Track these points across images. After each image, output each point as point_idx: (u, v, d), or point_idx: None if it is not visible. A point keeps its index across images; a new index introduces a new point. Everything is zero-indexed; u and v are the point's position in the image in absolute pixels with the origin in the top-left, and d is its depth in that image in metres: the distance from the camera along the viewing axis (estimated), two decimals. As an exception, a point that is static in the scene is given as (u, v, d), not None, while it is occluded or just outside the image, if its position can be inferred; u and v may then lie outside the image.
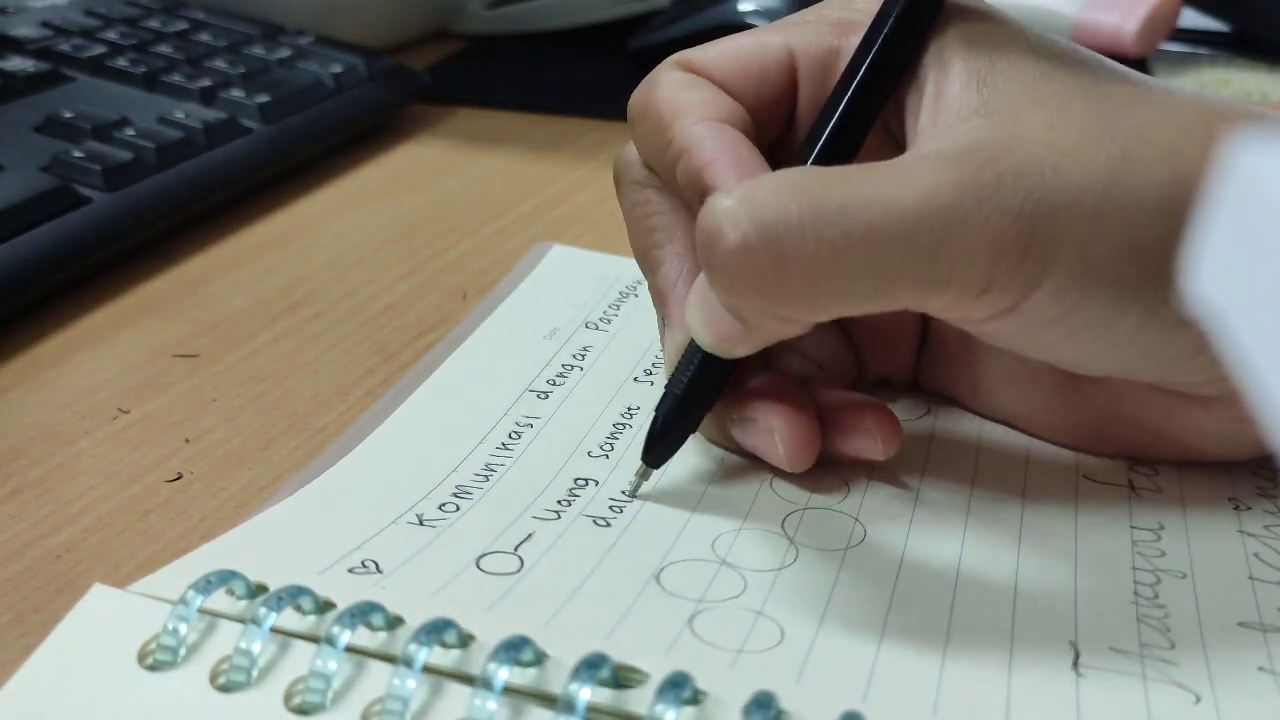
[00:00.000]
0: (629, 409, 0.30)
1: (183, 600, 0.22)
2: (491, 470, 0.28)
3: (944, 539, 0.26)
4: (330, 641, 0.21)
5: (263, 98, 0.48)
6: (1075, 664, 0.22)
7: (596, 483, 0.27)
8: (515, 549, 0.25)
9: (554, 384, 0.32)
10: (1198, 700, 0.22)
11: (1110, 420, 0.28)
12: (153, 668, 0.21)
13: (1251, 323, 0.12)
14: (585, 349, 0.33)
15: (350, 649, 0.21)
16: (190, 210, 0.43)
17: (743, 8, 0.57)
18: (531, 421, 0.30)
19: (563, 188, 0.48)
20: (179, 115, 0.45)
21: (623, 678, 0.21)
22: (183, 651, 0.21)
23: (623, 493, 0.27)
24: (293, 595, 0.22)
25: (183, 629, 0.21)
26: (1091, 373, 0.26)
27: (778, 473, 0.28)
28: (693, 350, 0.26)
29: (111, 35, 0.51)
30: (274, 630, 0.21)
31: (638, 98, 0.28)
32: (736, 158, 0.25)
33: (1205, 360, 0.24)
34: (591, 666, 0.20)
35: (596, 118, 0.56)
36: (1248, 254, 0.12)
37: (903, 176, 0.22)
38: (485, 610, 0.23)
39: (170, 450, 0.30)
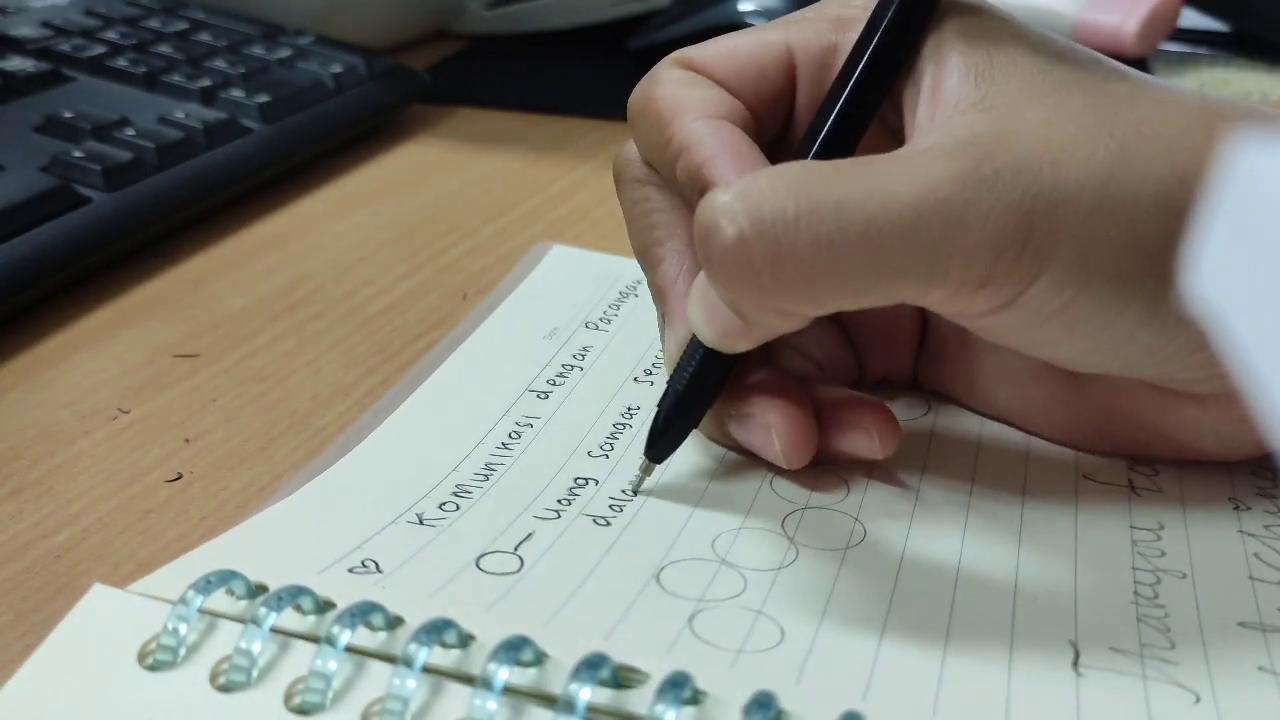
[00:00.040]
0: (629, 409, 0.30)
1: (183, 600, 0.22)
2: (491, 470, 0.28)
3: (944, 539, 0.26)
4: (330, 641, 0.21)
5: (263, 98, 0.48)
6: (1075, 663, 0.22)
7: (596, 482, 0.27)
8: (515, 549, 0.25)
9: (554, 384, 0.32)
10: (1198, 700, 0.22)
11: (1108, 418, 0.28)
12: (153, 668, 0.21)
13: (1251, 322, 0.12)
14: (585, 349, 0.33)
15: (350, 649, 0.21)
16: (190, 210, 0.43)
17: (742, 8, 0.57)
18: (531, 421, 0.30)
19: (563, 188, 0.48)
20: (179, 115, 0.45)
21: (623, 678, 0.21)
22: (183, 651, 0.21)
23: (624, 491, 0.27)
24: (293, 595, 0.22)
25: (183, 629, 0.21)
26: (1089, 370, 0.26)
27: (778, 472, 0.28)
28: (694, 346, 0.26)
29: (111, 35, 0.51)
30: (274, 630, 0.21)
31: (637, 96, 0.28)
32: (736, 154, 0.25)
33: (1204, 357, 0.24)
34: (591, 666, 0.20)
35: (596, 118, 0.56)
36: (1248, 254, 0.12)
37: (900, 171, 0.22)
38: (485, 610, 0.23)
39: (170, 450, 0.30)
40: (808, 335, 0.30)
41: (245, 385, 0.33)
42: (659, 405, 0.27)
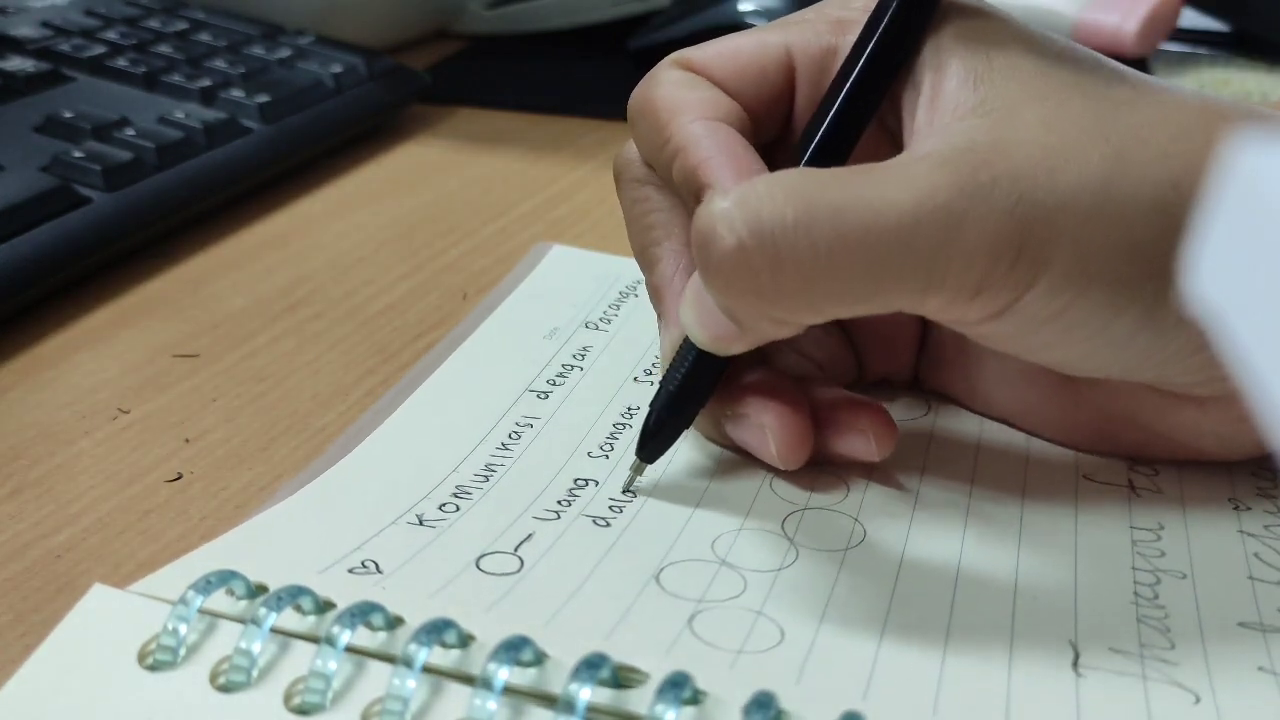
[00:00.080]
0: (629, 409, 0.30)
1: (183, 600, 0.22)
2: (491, 470, 0.28)
3: (944, 539, 0.26)
4: (330, 642, 0.21)
5: (263, 98, 0.48)
6: (1075, 664, 0.22)
7: (596, 483, 0.27)
8: (515, 549, 0.25)
9: (554, 384, 0.32)
10: (1197, 700, 0.22)
11: (1108, 419, 0.28)
12: (153, 668, 0.21)
13: (1251, 323, 0.12)
14: (585, 349, 0.33)
15: (350, 649, 0.21)
16: (190, 210, 0.43)
17: (742, 8, 0.57)
18: (531, 421, 0.30)
19: (563, 188, 0.48)
20: (179, 115, 0.45)
21: (623, 678, 0.21)
22: (183, 652, 0.21)
23: (624, 492, 0.27)
24: (293, 595, 0.22)
25: (183, 629, 0.21)
26: (1088, 374, 0.26)
27: (777, 472, 0.28)
28: (687, 346, 0.26)
29: (111, 35, 0.51)
30: (274, 630, 0.21)
31: (637, 96, 0.28)
32: (732, 156, 0.25)
33: (1202, 360, 0.24)
34: (591, 666, 0.20)
35: (596, 118, 0.56)
36: (1248, 254, 0.12)
37: (898, 178, 0.22)
38: (485, 610, 0.23)
39: (170, 450, 0.30)
40: (807, 335, 0.29)
41: (245, 385, 0.33)
42: (651, 405, 0.27)
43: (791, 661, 0.22)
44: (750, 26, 0.34)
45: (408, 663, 0.20)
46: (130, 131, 0.43)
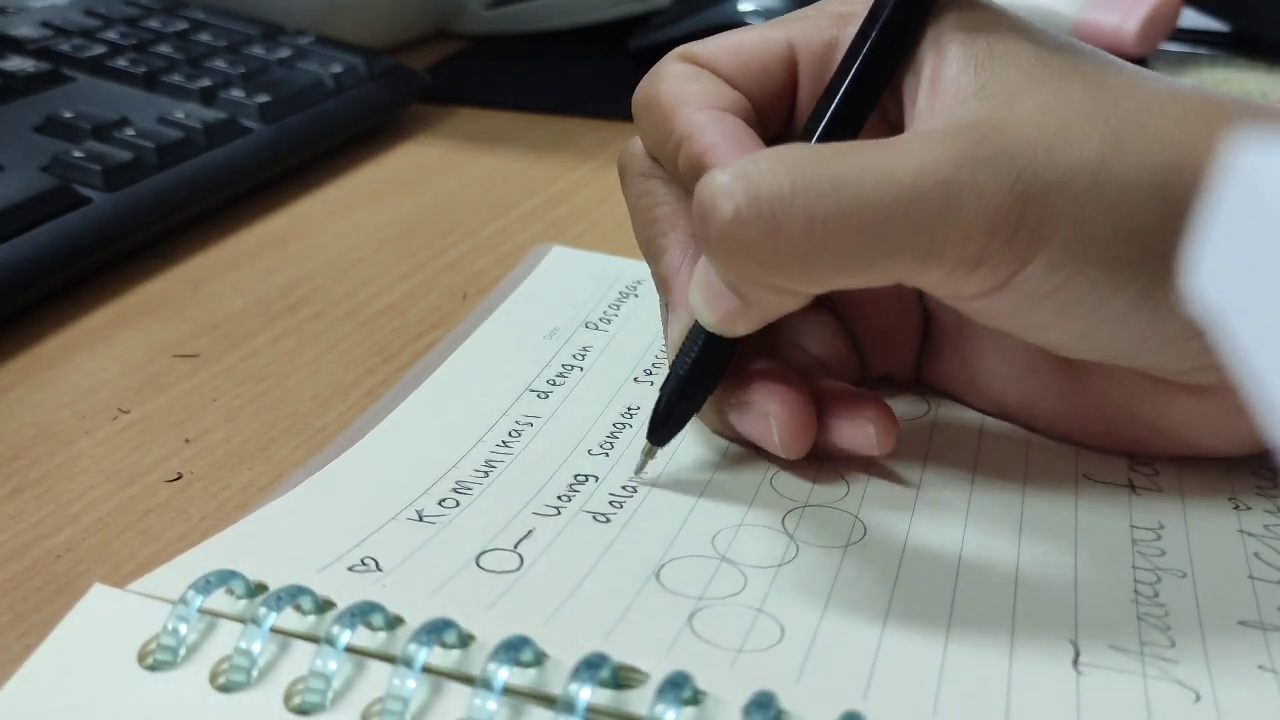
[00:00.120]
0: (629, 409, 0.30)
1: (182, 600, 0.22)
2: (491, 466, 0.28)
3: (944, 537, 0.26)
4: (330, 641, 0.21)
5: (263, 98, 0.48)
6: (1075, 662, 0.22)
7: (596, 479, 0.27)
8: (515, 546, 0.25)
9: (554, 384, 0.32)
10: (1198, 698, 0.22)
11: (1107, 413, 0.28)
12: (153, 668, 0.21)
13: (1251, 322, 0.12)
14: (585, 349, 0.33)
15: (350, 649, 0.21)
16: (190, 210, 0.43)
17: (742, 7, 0.57)
18: (531, 420, 0.30)
19: (563, 188, 0.48)
20: (179, 115, 0.45)
21: (623, 678, 0.21)
22: (183, 651, 0.21)
23: (624, 488, 0.27)
24: (292, 595, 0.22)
25: (183, 629, 0.21)
26: (1084, 356, 0.26)
27: (778, 468, 0.28)
28: (696, 332, 0.27)
29: (111, 35, 0.51)
30: (274, 630, 0.21)
31: (642, 90, 0.28)
32: (737, 143, 0.26)
33: (1198, 346, 0.24)
34: (591, 666, 0.20)
35: (596, 118, 0.56)
36: (1248, 254, 0.12)
37: (898, 152, 0.23)
38: (485, 609, 0.23)
39: (170, 450, 0.30)
40: (810, 331, 0.30)
41: (245, 385, 0.33)
42: (661, 390, 0.27)
43: (791, 660, 0.22)
44: (749, 25, 0.34)
45: (408, 663, 0.20)
46: (130, 131, 0.43)
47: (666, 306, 0.29)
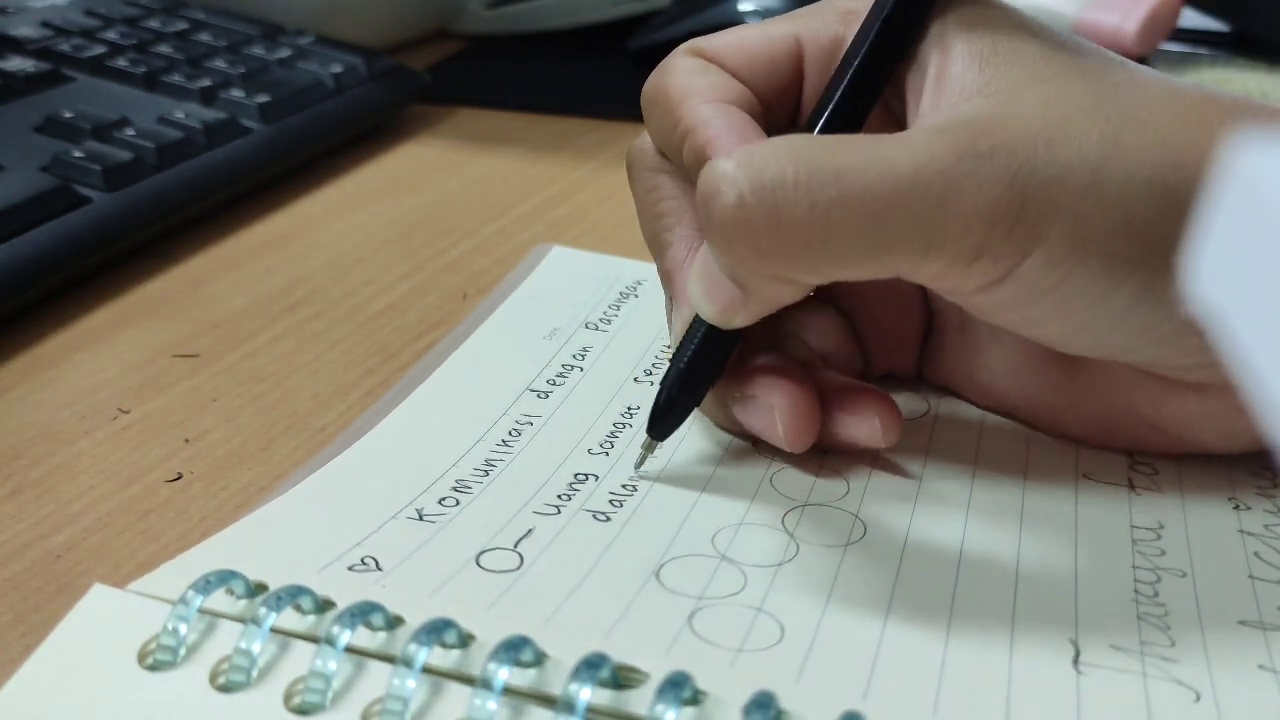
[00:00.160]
0: (629, 409, 0.30)
1: (182, 600, 0.22)
2: (491, 466, 0.28)
3: (944, 536, 0.26)
4: (330, 641, 0.21)
5: (263, 98, 0.48)
6: (1075, 661, 0.22)
7: (596, 477, 0.27)
8: (515, 545, 0.25)
9: (554, 384, 0.32)
10: (1198, 698, 0.22)
11: (1108, 411, 0.28)
12: (153, 668, 0.21)
13: (1251, 321, 0.12)
14: (585, 349, 0.33)
15: (350, 649, 0.21)
16: (190, 210, 0.43)
17: (742, 7, 0.57)
18: (531, 420, 0.30)
19: (563, 188, 0.48)
20: (179, 115, 0.45)
21: (623, 678, 0.21)
22: (183, 651, 0.21)
23: (624, 487, 0.27)
24: (292, 595, 0.22)
25: (183, 629, 0.21)
26: (1083, 352, 0.26)
27: (778, 467, 0.28)
28: (697, 324, 0.27)
29: (111, 35, 0.51)
30: (274, 630, 0.21)
31: (650, 84, 0.29)
32: (741, 136, 0.26)
33: (1198, 341, 0.24)
34: (591, 667, 0.20)
35: (596, 118, 0.56)
36: (1247, 253, 0.12)
37: (900, 145, 0.23)
38: (485, 608, 0.23)
39: (170, 450, 0.30)
40: (814, 326, 0.30)
41: (245, 385, 0.33)
42: (661, 383, 0.27)
43: (791, 660, 0.22)
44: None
45: (408, 663, 0.20)
46: (130, 131, 0.43)
47: (670, 300, 0.29)
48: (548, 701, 0.20)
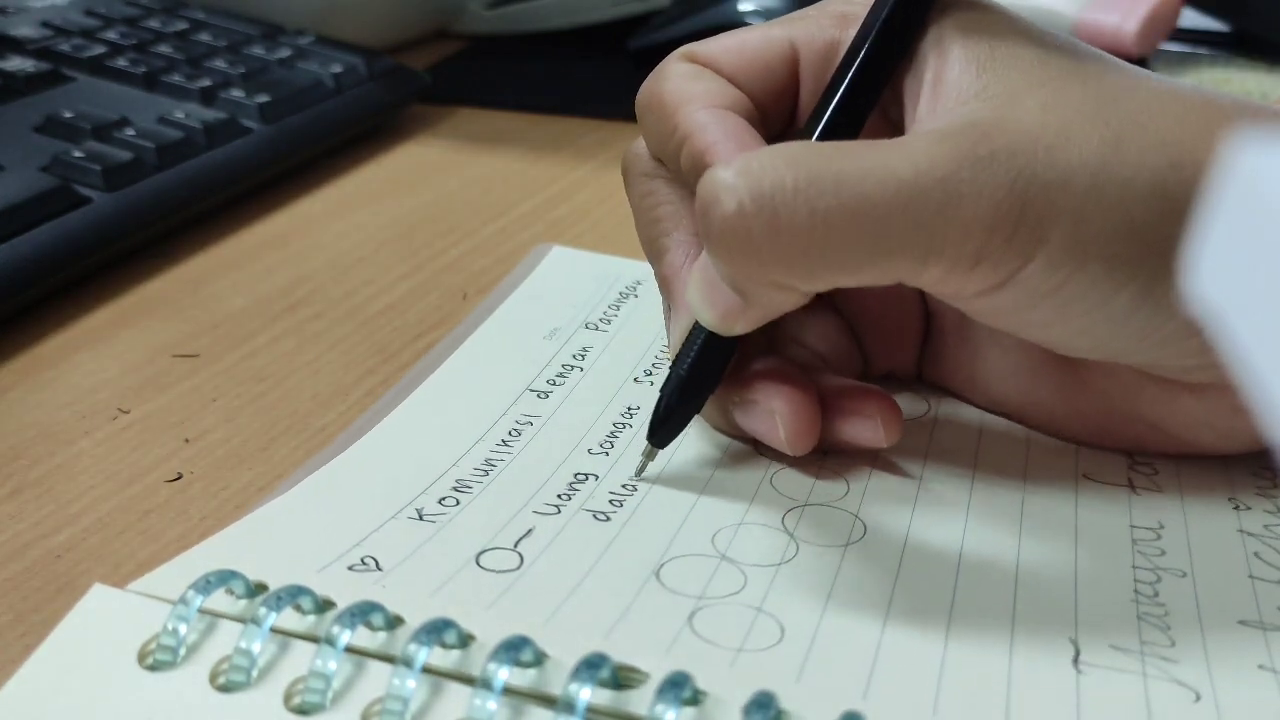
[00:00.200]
0: (629, 409, 0.30)
1: (182, 600, 0.22)
2: (491, 465, 0.28)
3: (944, 536, 0.26)
4: (330, 641, 0.21)
5: (263, 98, 0.48)
6: (1075, 661, 0.22)
7: (596, 477, 0.27)
8: (515, 545, 0.25)
9: (554, 384, 0.32)
10: (1198, 698, 0.22)
11: (1107, 411, 0.28)
12: (153, 668, 0.21)
13: (1252, 322, 0.12)
14: (585, 349, 0.33)
15: (350, 649, 0.21)
16: (190, 210, 0.43)
17: (742, 8, 0.57)
18: (531, 420, 0.30)
19: (563, 188, 0.48)
20: (179, 115, 0.45)
21: (623, 678, 0.21)
22: (183, 651, 0.21)
23: (624, 486, 0.27)
24: (292, 595, 0.22)
25: (183, 629, 0.21)
26: (1084, 354, 0.26)
27: (778, 467, 0.28)
28: (696, 332, 0.27)
29: (111, 35, 0.51)
30: (274, 630, 0.21)
31: (645, 90, 0.28)
32: (739, 142, 0.26)
33: (1198, 344, 0.24)
34: (591, 667, 0.20)
35: (596, 118, 0.56)
36: (1248, 254, 0.12)
37: (899, 151, 0.23)
38: (485, 608, 0.23)
39: (170, 450, 0.30)
40: (813, 327, 0.30)
41: (245, 385, 0.33)
42: (661, 391, 0.27)
43: (791, 660, 0.22)
44: (750, 25, 0.34)
45: (408, 663, 0.20)
46: (130, 131, 0.43)
47: (668, 307, 0.29)
48: (548, 701, 0.20)
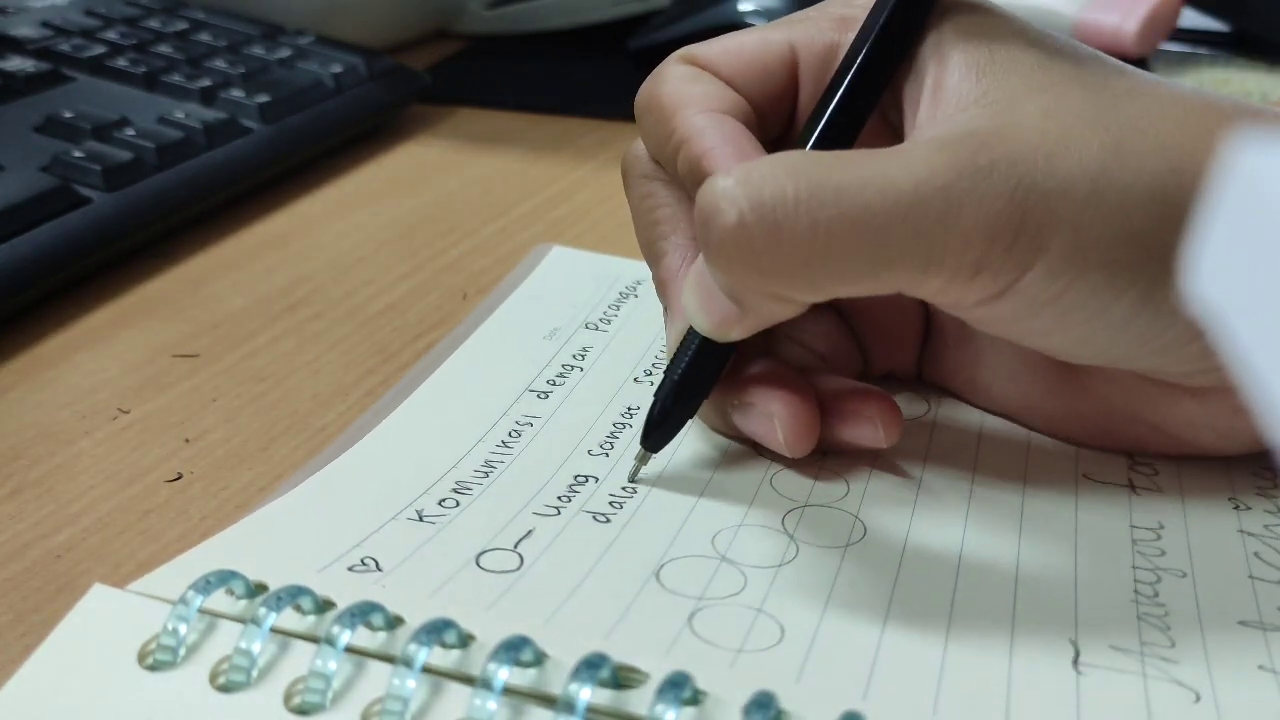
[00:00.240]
0: (629, 409, 0.30)
1: (182, 600, 0.22)
2: (491, 467, 0.28)
3: (944, 537, 0.26)
4: (330, 641, 0.21)
5: (263, 98, 0.48)
6: (1075, 662, 0.22)
7: (596, 479, 0.27)
8: (515, 546, 0.25)
9: (554, 384, 0.32)
10: (1198, 699, 0.22)
11: (1107, 413, 0.28)
12: (153, 668, 0.21)
13: (1252, 323, 0.12)
14: (585, 349, 0.33)
15: (350, 649, 0.21)
16: (190, 210, 0.43)
17: (742, 8, 0.57)
18: (531, 420, 0.30)
19: (563, 188, 0.48)
20: (179, 115, 0.45)
21: (623, 678, 0.21)
22: (183, 651, 0.21)
23: (624, 488, 0.27)
24: (292, 595, 0.22)
25: (183, 629, 0.21)
26: (1084, 361, 0.26)
27: (778, 468, 0.28)
28: (691, 336, 0.27)
29: (111, 35, 0.51)
30: (274, 630, 0.21)
31: (643, 92, 0.28)
32: (737, 146, 0.26)
33: (1198, 349, 0.24)
34: (591, 667, 0.20)
35: (596, 118, 0.56)
36: (1248, 254, 0.12)
37: (899, 161, 0.23)
38: (485, 609, 0.23)
39: (170, 450, 0.30)
40: (811, 328, 0.30)
41: (245, 385, 0.33)
42: (655, 395, 0.27)
43: (791, 660, 0.22)
44: (750, 26, 0.34)
45: (408, 663, 0.20)
46: (130, 131, 0.43)
47: (667, 310, 0.29)
48: (548, 701, 0.20)
